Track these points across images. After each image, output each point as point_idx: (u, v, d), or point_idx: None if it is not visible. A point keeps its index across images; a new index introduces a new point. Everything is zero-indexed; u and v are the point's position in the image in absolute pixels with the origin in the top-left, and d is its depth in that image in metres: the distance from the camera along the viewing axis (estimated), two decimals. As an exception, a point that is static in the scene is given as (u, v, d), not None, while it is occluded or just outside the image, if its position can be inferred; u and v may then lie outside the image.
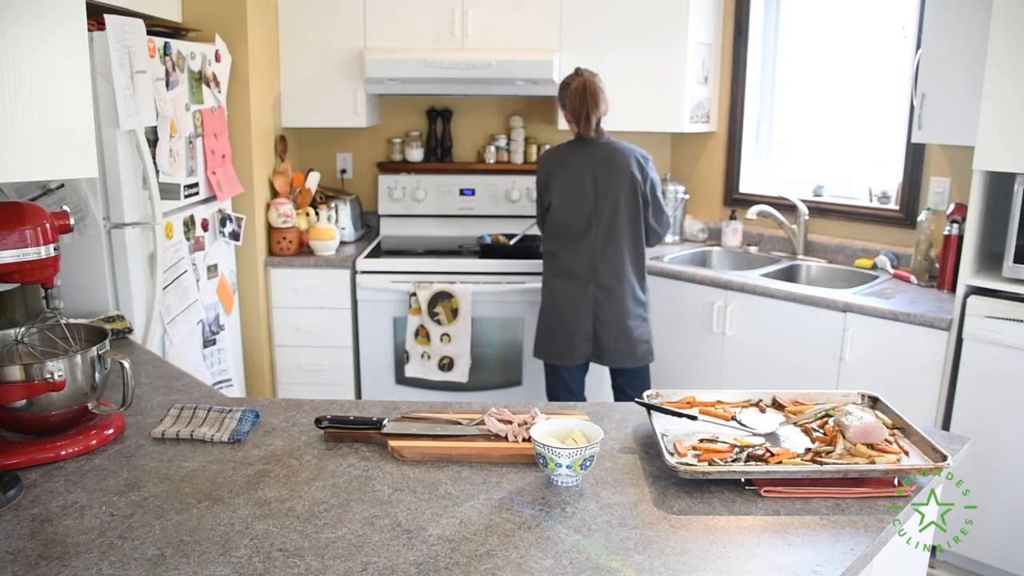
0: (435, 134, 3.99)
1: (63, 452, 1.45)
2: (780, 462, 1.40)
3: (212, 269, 3.00)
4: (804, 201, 3.53)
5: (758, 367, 3.09)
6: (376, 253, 3.55)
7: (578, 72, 2.86)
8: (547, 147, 2.87)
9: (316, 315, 3.46)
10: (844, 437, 1.47)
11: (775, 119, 3.82)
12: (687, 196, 3.87)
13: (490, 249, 3.53)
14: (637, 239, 2.88)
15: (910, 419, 1.54)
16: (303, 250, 3.51)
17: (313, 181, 3.65)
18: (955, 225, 2.88)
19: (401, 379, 3.49)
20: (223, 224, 3.08)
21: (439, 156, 4.00)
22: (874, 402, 1.65)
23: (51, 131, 1.59)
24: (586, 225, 2.83)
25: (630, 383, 2.99)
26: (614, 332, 2.88)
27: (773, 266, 3.41)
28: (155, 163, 2.47)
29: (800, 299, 2.95)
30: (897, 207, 3.33)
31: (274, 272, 3.43)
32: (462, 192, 3.90)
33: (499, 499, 1.33)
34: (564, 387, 3.02)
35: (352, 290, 3.45)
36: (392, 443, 1.49)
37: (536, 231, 3.78)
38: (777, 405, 1.67)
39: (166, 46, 2.56)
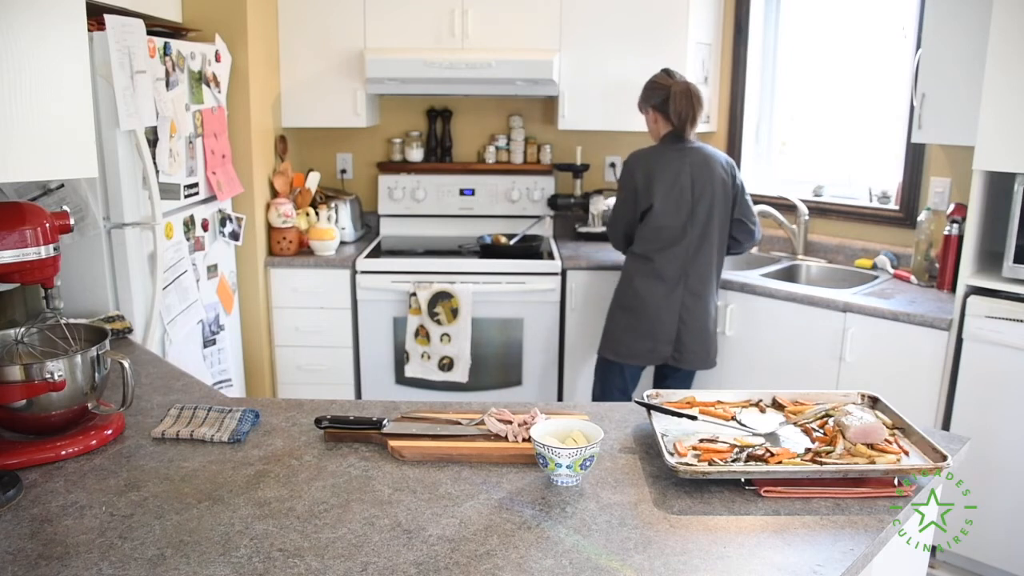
0: (435, 134, 3.98)
1: (63, 452, 1.45)
2: (780, 462, 1.40)
3: (212, 269, 3.00)
4: (804, 201, 3.53)
5: (758, 367, 3.09)
6: (376, 253, 3.55)
7: (669, 74, 2.87)
8: (636, 150, 2.89)
9: (316, 315, 3.46)
10: (844, 437, 1.47)
11: (775, 119, 3.82)
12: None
13: (490, 249, 3.53)
14: (723, 245, 2.91)
15: (910, 419, 1.54)
16: (303, 250, 3.51)
17: (313, 181, 3.65)
18: (955, 225, 2.88)
19: (401, 379, 3.48)
20: (223, 224, 3.08)
21: (439, 156, 4.00)
22: (874, 402, 1.65)
23: (51, 131, 1.59)
24: (682, 229, 2.81)
25: (680, 385, 2.99)
26: (696, 335, 2.89)
27: (773, 266, 3.41)
28: (155, 163, 2.47)
29: (800, 299, 2.95)
30: (897, 207, 3.33)
31: (274, 272, 3.43)
32: (462, 192, 3.90)
33: (499, 499, 1.33)
34: (621, 388, 3.02)
35: (352, 290, 3.45)
36: (392, 443, 1.49)
37: (537, 231, 3.79)
38: (777, 405, 1.67)
39: (166, 46, 2.56)
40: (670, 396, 1.69)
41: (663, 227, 2.81)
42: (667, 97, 2.82)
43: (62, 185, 2.24)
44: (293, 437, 1.57)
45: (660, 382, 3.07)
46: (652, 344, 2.88)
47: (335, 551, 1.17)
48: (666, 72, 2.89)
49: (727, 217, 2.88)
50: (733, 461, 1.40)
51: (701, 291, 2.87)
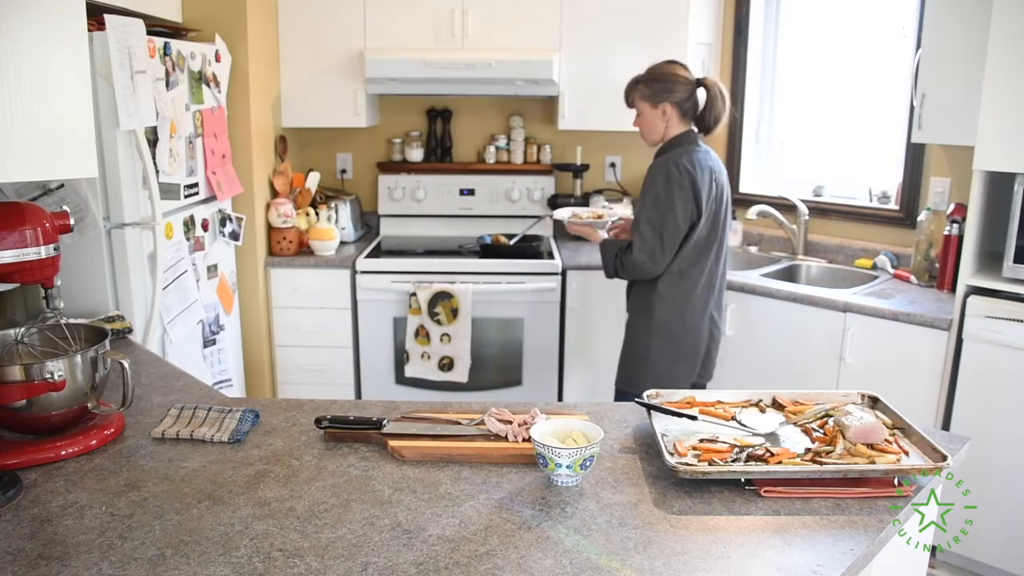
0: (435, 134, 3.98)
1: (63, 452, 1.45)
2: (780, 462, 1.40)
3: (212, 269, 3.00)
4: (804, 201, 3.53)
5: (758, 367, 3.09)
6: (376, 253, 3.55)
7: (685, 67, 2.52)
8: (684, 159, 2.46)
9: (316, 315, 3.46)
10: (844, 437, 1.47)
11: (775, 119, 3.82)
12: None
13: (490, 249, 3.53)
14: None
15: (910, 419, 1.54)
16: (303, 250, 3.51)
17: (313, 181, 3.65)
18: (955, 225, 2.88)
19: (401, 379, 3.48)
20: (223, 224, 3.08)
21: (439, 156, 4.00)
22: (874, 402, 1.65)
23: (51, 131, 1.59)
24: (716, 240, 2.53)
25: None
26: (718, 347, 2.68)
27: (773, 266, 3.41)
28: (155, 163, 2.47)
29: (800, 299, 2.95)
30: (897, 207, 3.33)
31: (274, 272, 3.43)
32: (462, 192, 3.90)
33: (499, 499, 1.33)
34: None
35: (352, 290, 3.45)
36: (392, 443, 1.49)
37: (537, 231, 3.78)
38: (777, 405, 1.67)
39: (166, 46, 2.56)
40: (670, 396, 1.69)
41: (699, 239, 2.50)
42: (691, 94, 2.49)
43: (62, 185, 2.24)
44: (293, 437, 1.57)
45: None
46: (691, 368, 2.59)
47: (335, 551, 1.17)
48: (680, 64, 2.54)
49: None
50: (733, 461, 1.40)
51: (722, 301, 2.67)
